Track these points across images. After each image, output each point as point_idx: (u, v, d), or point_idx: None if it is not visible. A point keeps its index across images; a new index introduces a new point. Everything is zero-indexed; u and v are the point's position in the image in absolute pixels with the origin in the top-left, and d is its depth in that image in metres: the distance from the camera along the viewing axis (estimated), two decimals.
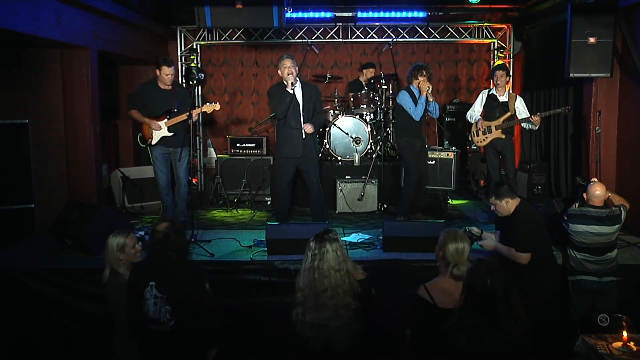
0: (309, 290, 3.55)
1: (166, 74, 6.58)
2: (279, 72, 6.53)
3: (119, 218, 6.27)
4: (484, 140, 7.15)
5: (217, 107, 6.75)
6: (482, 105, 7.20)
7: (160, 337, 3.65)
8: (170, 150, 6.73)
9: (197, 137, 10.06)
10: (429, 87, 6.84)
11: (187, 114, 6.51)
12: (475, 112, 7.24)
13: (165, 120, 6.65)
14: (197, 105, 9.80)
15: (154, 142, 6.66)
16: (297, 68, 6.46)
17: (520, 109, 7.05)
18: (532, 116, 6.85)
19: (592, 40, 6.57)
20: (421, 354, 3.58)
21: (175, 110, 6.61)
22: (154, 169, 6.81)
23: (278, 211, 7.00)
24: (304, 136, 6.54)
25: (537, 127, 7.10)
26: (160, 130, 6.63)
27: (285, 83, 6.41)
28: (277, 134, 6.80)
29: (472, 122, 7.28)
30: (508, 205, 4.81)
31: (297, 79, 6.52)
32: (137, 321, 3.71)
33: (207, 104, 6.76)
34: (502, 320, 3.03)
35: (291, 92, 6.39)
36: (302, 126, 6.50)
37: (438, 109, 7.11)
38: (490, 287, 3.04)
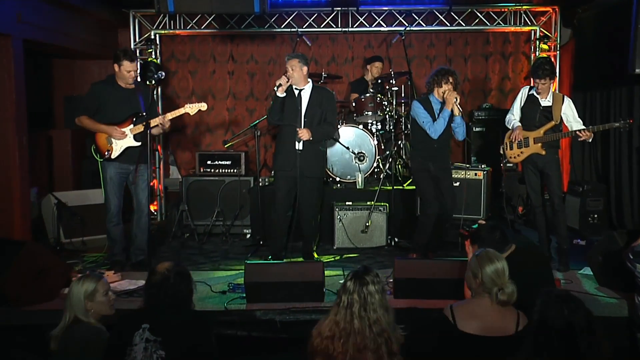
0: (338, 338, 3.49)
1: (128, 70, 6.56)
2: None
3: (51, 257, 6.10)
4: (518, 155, 7.00)
5: (204, 106, 6.87)
6: (521, 107, 7.05)
7: None
8: (131, 168, 6.67)
9: (156, 152, 9.93)
10: (456, 98, 6.75)
11: (158, 118, 6.51)
12: (514, 115, 7.08)
13: (131, 126, 6.60)
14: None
15: (115, 154, 6.60)
16: (302, 69, 6.75)
17: (569, 115, 6.83)
18: (581, 131, 6.64)
19: None
20: None
21: (144, 114, 6.56)
22: (105, 191, 6.73)
23: (272, 244, 7.20)
24: (299, 148, 6.73)
25: (590, 140, 6.93)
26: (125, 139, 6.59)
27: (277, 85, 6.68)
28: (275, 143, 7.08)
29: (510, 128, 7.13)
30: None
31: (309, 81, 6.92)
32: None
33: (189, 105, 6.81)
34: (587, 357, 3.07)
35: (281, 95, 6.68)
36: (298, 132, 6.69)
37: (464, 129, 7.01)
38: (569, 318, 3.12)
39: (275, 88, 6.66)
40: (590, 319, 3.15)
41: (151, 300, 3.84)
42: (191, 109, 6.78)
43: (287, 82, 6.65)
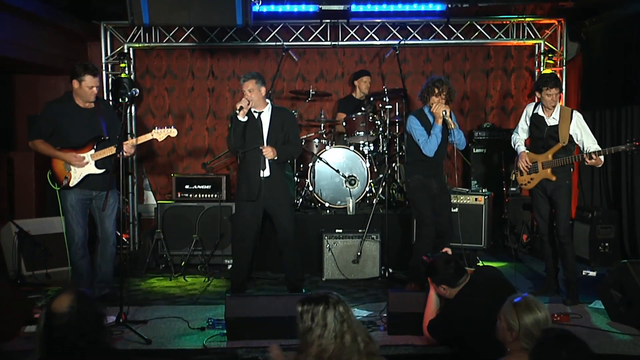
0: None
1: (90, 86, 6.49)
2: None
3: (9, 292, 6.07)
4: (529, 182, 6.92)
5: (174, 132, 6.81)
6: (528, 127, 6.98)
7: None
8: (93, 194, 6.62)
9: (129, 176, 9.89)
10: (445, 111, 6.79)
11: (125, 144, 6.42)
12: (519, 135, 7.05)
13: (92, 151, 6.54)
14: (129, 132, 9.68)
15: (73, 182, 6.53)
16: (261, 90, 6.80)
17: (579, 134, 6.68)
18: (592, 155, 6.51)
19: None
20: None
21: (107, 138, 6.52)
22: (66, 221, 6.66)
23: (232, 275, 7.25)
24: (264, 174, 6.84)
25: (600, 166, 6.84)
26: (85, 167, 6.52)
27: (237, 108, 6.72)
28: (237, 171, 7.09)
29: (516, 149, 7.07)
30: (447, 292, 5.19)
31: (268, 102, 6.97)
32: None
33: (156, 129, 6.75)
34: None
35: (243, 119, 6.71)
36: (262, 150, 6.75)
37: (464, 138, 7.07)
38: None
39: (237, 111, 6.65)
40: None
41: (60, 346, 3.39)
42: (159, 134, 6.71)
43: (248, 104, 6.67)
